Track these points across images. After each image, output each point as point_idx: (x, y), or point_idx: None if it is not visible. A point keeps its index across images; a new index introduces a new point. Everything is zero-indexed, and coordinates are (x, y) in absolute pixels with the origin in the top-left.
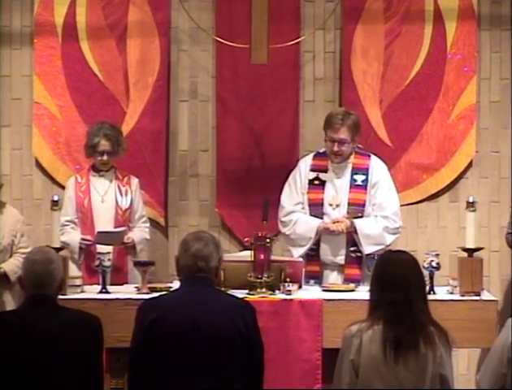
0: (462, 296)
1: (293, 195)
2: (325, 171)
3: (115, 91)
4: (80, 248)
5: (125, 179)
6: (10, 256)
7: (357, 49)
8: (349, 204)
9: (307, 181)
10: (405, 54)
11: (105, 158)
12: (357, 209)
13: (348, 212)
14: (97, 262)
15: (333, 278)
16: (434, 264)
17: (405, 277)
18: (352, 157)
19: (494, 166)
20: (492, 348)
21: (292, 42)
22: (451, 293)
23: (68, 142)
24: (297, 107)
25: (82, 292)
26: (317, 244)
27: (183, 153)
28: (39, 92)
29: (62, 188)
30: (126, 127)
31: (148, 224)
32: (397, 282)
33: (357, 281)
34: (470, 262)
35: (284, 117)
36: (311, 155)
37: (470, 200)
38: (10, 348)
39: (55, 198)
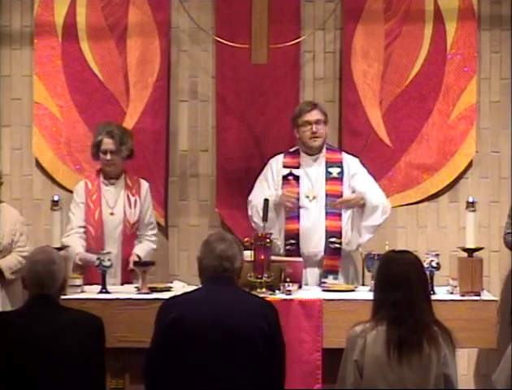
0: (462, 296)
1: (265, 191)
2: (297, 167)
3: (115, 91)
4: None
5: (135, 186)
6: None
7: (357, 50)
8: (326, 196)
9: (280, 178)
10: (405, 54)
11: (108, 157)
12: (334, 200)
13: (326, 204)
14: (97, 262)
15: (313, 273)
16: (434, 264)
17: (408, 277)
18: (324, 151)
19: (494, 166)
20: (507, 350)
21: (292, 42)
22: (451, 293)
23: (69, 142)
24: None
25: (82, 292)
26: (296, 238)
27: (183, 153)
28: (39, 92)
29: (63, 188)
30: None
31: (155, 231)
32: (400, 282)
33: (336, 273)
34: (470, 262)
35: (284, 117)
36: (281, 154)
37: (470, 200)
38: (12, 348)
39: (55, 198)
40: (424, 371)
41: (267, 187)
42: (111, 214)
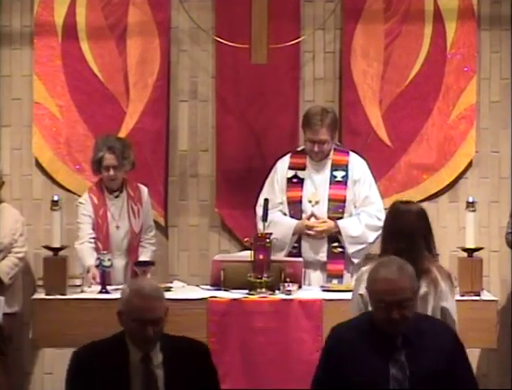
0: (462, 296)
1: (271, 197)
2: (303, 168)
3: (115, 91)
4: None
5: (136, 194)
6: None
7: (357, 49)
8: (329, 200)
9: (285, 181)
10: (405, 54)
11: (111, 173)
12: (337, 205)
13: (328, 208)
14: (96, 262)
15: (316, 276)
16: None
17: (410, 227)
18: (331, 153)
19: (494, 166)
20: None
21: (292, 42)
22: None
23: (68, 142)
24: (297, 107)
25: (82, 292)
26: (298, 242)
27: (183, 153)
28: (39, 92)
29: (62, 188)
30: (126, 127)
31: (154, 231)
32: (404, 232)
33: (340, 277)
34: (470, 262)
35: (284, 117)
36: (289, 154)
37: (470, 200)
38: None
39: (55, 198)
40: (422, 305)
41: (272, 192)
42: (117, 227)
